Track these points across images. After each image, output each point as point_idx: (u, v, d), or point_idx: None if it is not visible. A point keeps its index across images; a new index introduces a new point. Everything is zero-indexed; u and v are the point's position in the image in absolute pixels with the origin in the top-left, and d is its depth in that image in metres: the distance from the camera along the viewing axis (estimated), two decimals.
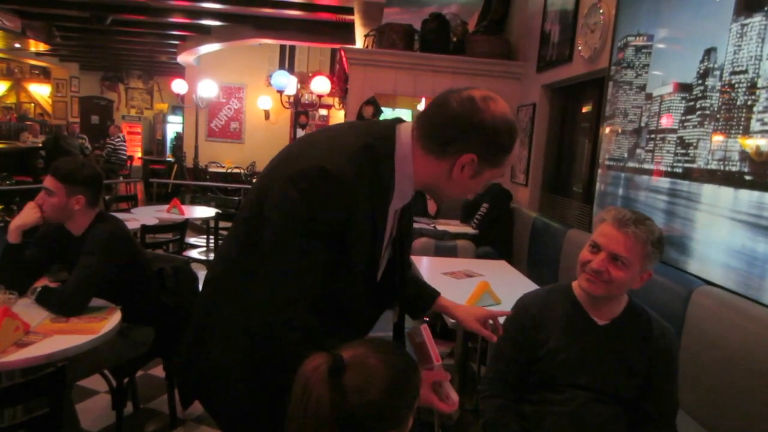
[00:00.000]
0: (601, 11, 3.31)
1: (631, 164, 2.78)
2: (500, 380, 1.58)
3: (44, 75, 14.25)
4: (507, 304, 1.69)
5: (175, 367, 1.40)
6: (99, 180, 2.20)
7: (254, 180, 9.04)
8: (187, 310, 2.53)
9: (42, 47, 9.77)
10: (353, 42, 7.15)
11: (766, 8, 1.90)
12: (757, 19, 1.94)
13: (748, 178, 1.93)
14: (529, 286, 2.76)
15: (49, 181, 2.09)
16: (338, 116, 10.59)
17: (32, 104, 14.41)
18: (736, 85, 2.02)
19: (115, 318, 1.96)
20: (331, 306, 1.16)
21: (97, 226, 2.15)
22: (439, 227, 4.13)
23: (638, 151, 2.71)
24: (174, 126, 13.78)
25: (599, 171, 3.17)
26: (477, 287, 2.42)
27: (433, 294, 1.57)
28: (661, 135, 2.51)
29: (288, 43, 10.09)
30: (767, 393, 1.61)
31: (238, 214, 1.28)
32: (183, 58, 10.25)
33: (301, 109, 8.91)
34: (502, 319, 1.55)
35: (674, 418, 1.55)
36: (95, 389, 2.86)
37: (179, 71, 11.57)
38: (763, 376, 1.63)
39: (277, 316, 1.11)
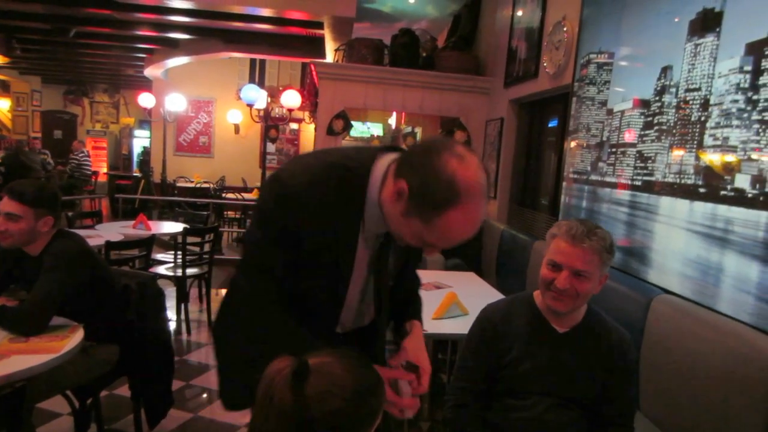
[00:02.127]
0: (564, 29, 3.41)
1: (594, 177, 2.86)
2: (465, 390, 1.60)
3: (3, 88, 13.87)
4: (475, 315, 1.71)
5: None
6: (60, 198, 2.19)
7: (224, 195, 8.98)
8: (152, 326, 2.52)
9: (1, 60, 9.54)
10: (323, 56, 7.19)
11: (717, 29, 1.99)
12: (709, 40, 2.03)
13: (702, 190, 2.00)
14: (496, 296, 2.80)
15: (12, 206, 2.02)
16: (309, 130, 10.59)
17: None
18: (691, 102, 2.10)
19: (77, 336, 1.92)
20: (301, 310, 1.24)
21: (56, 243, 2.11)
22: None
23: (600, 164, 2.79)
24: (141, 140, 13.58)
25: (564, 184, 3.24)
26: (444, 298, 2.44)
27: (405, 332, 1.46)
28: (622, 149, 2.59)
29: (258, 56, 10.07)
30: (722, 395, 1.67)
31: None
32: (150, 72, 10.13)
33: (271, 123, 8.87)
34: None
35: (632, 420, 1.59)
36: (57, 411, 2.77)
37: (146, 85, 11.43)
38: (718, 380, 1.69)
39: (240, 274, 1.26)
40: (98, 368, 2.26)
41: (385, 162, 1.18)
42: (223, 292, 5.58)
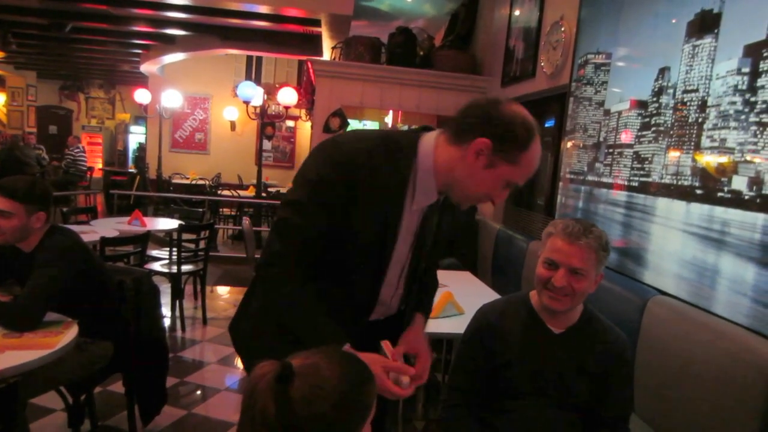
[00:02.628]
0: (562, 29, 3.41)
1: (590, 178, 2.87)
2: (461, 390, 1.60)
3: None
4: (470, 314, 1.71)
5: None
6: (51, 194, 2.18)
7: (220, 191, 8.96)
8: (147, 323, 2.51)
9: None
10: (320, 54, 7.17)
11: (715, 31, 1.99)
12: (707, 41, 2.03)
13: (699, 192, 2.01)
14: (492, 296, 2.80)
15: (4, 203, 2.00)
16: (305, 128, 10.57)
17: None
18: (688, 103, 2.11)
19: (71, 332, 1.91)
20: (334, 275, 1.30)
21: (49, 239, 2.10)
22: None
23: (597, 165, 2.80)
24: (136, 136, 13.52)
25: (560, 184, 3.25)
26: (440, 297, 2.44)
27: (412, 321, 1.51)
28: (619, 150, 2.59)
29: (254, 54, 10.05)
30: (716, 397, 1.67)
31: None
32: (146, 68, 10.09)
33: (267, 120, 8.85)
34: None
35: (628, 421, 1.59)
36: (50, 407, 2.76)
37: (142, 81, 11.38)
38: (713, 381, 1.69)
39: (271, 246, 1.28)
40: (92, 364, 2.25)
41: (429, 137, 1.28)
42: (218, 289, 5.59)
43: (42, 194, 2.09)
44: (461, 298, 2.47)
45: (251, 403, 0.82)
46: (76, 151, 10.52)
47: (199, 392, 3.28)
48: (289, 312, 1.29)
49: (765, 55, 1.73)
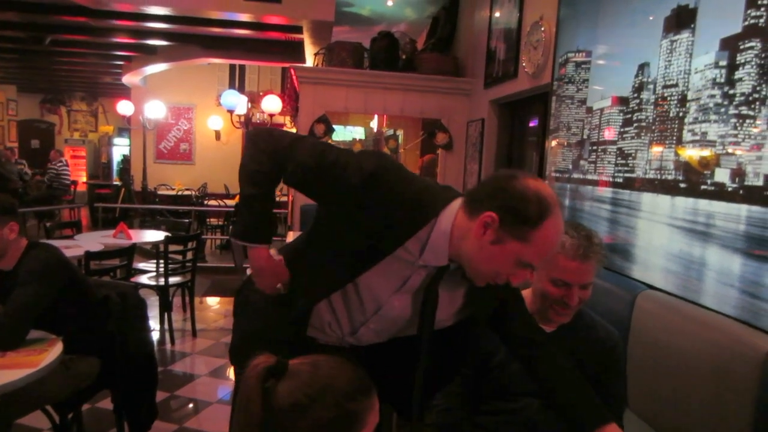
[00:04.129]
0: (542, 29, 3.43)
1: (575, 175, 2.88)
2: (454, 393, 1.60)
3: None
4: None
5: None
6: (15, 202, 2.17)
7: (206, 201, 8.90)
8: (134, 337, 2.48)
9: None
10: (303, 60, 7.17)
11: (692, 25, 2.01)
12: (684, 36, 2.05)
13: (682, 185, 2.02)
14: None
15: None
16: None
17: None
18: (668, 98, 2.12)
19: (56, 349, 1.87)
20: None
21: (30, 255, 2.07)
22: None
23: (582, 162, 2.81)
24: (120, 149, 13.41)
25: (547, 182, 3.25)
26: None
27: (601, 419, 1.29)
28: (602, 146, 2.61)
29: (237, 62, 10.02)
30: (709, 389, 1.68)
31: None
32: (128, 79, 10.01)
33: (252, 128, 8.85)
34: None
35: (622, 417, 1.59)
36: (37, 427, 2.71)
37: (125, 92, 11.30)
38: (705, 374, 1.70)
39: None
40: (79, 382, 2.21)
41: (457, 203, 1.24)
42: (207, 300, 5.51)
43: (9, 204, 2.07)
44: None
45: (242, 390, 0.83)
46: (59, 165, 10.40)
47: (191, 405, 3.24)
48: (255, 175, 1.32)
49: (741, 47, 1.75)
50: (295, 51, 7.43)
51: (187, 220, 5.76)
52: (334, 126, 5.25)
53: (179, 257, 4.51)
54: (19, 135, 14.29)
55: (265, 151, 1.31)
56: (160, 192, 9.82)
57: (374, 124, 8.10)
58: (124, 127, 11.35)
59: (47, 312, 1.99)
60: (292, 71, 5.89)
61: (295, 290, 1.36)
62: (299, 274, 1.35)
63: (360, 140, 9.03)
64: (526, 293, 1.61)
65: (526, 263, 1.16)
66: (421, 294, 1.30)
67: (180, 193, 9.71)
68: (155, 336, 4.34)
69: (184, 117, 11.16)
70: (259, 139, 1.35)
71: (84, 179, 13.22)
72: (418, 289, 1.30)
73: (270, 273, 1.35)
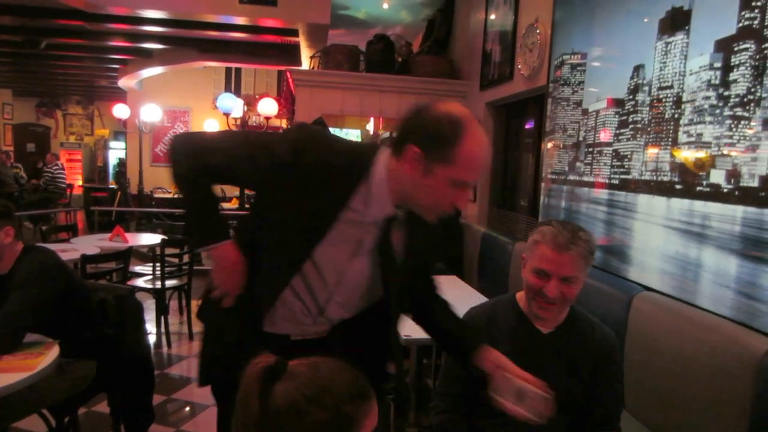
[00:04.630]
0: (537, 31, 3.44)
1: (571, 177, 2.88)
2: (451, 395, 1.59)
3: None
4: None
5: None
6: (11, 206, 2.16)
7: None
8: (131, 341, 2.47)
9: None
10: (299, 63, 7.17)
11: (686, 27, 2.02)
12: (679, 38, 2.06)
13: (678, 187, 2.03)
14: (479, 299, 2.80)
15: None
16: None
17: None
18: (664, 100, 2.13)
19: (52, 353, 1.87)
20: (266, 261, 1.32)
21: (25, 259, 2.06)
22: None
23: (578, 164, 2.81)
24: (116, 152, 13.39)
25: (543, 185, 3.27)
26: None
27: (477, 341, 1.46)
28: (598, 148, 2.61)
29: (233, 65, 10.01)
30: (706, 390, 1.68)
31: None
32: (124, 82, 10.01)
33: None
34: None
35: (619, 419, 1.59)
36: (34, 431, 2.69)
37: (121, 96, 11.28)
38: (702, 375, 1.70)
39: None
40: (75, 385, 2.20)
41: (385, 151, 1.27)
42: None
43: (6, 209, 2.06)
44: None
45: (241, 389, 0.83)
46: (54, 168, 10.37)
47: (187, 409, 3.23)
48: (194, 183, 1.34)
49: (736, 49, 1.76)
50: (291, 54, 7.43)
51: (183, 223, 5.74)
52: (330, 129, 5.25)
53: (176, 260, 4.51)
54: (14, 139, 14.23)
55: (191, 153, 1.32)
56: (156, 195, 9.80)
57: (370, 126, 8.10)
58: (120, 130, 11.34)
59: (44, 315, 1.99)
60: (288, 74, 5.89)
61: (255, 284, 1.34)
62: (255, 265, 1.34)
63: None
64: (520, 295, 1.61)
65: (460, 183, 1.20)
66: (377, 252, 1.32)
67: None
68: (152, 339, 4.33)
69: (181, 120, 11.15)
70: (180, 144, 1.36)
71: (80, 183, 13.19)
72: (372, 249, 1.32)
73: (240, 269, 1.33)
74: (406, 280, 1.42)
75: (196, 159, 1.30)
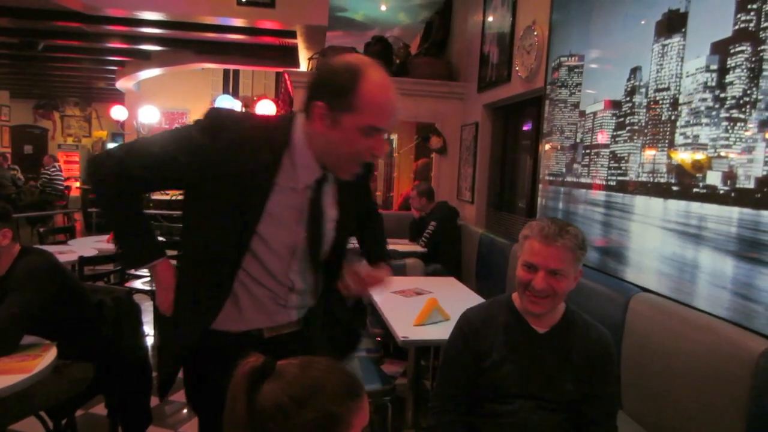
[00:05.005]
0: (535, 33, 3.45)
1: (569, 179, 2.89)
2: (449, 395, 1.59)
3: None
4: (456, 320, 1.70)
5: None
6: (9, 208, 2.15)
7: None
8: (129, 342, 2.47)
9: None
10: (297, 65, 7.17)
11: (683, 30, 2.03)
12: (675, 40, 2.07)
13: (675, 188, 2.03)
14: (477, 300, 2.80)
15: None
16: None
17: None
18: (660, 102, 2.14)
19: (50, 355, 1.86)
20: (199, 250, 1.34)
21: (22, 261, 2.06)
22: (388, 246, 4.15)
23: (575, 165, 2.82)
24: None
25: (540, 186, 3.27)
26: (425, 304, 2.44)
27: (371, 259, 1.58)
28: (595, 150, 2.62)
29: (231, 67, 10.00)
30: (703, 391, 1.69)
31: None
32: (122, 84, 9.99)
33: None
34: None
35: (615, 419, 1.59)
36: None
37: (118, 97, 11.27)
38: (698, 376, 1.71)
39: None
40: (73, 387, 2.20)
41: (299, 116, 1.29)
42: None
43: (3, 210, 2.06)
44: (446, 304, 2.47)
45: (230, 390, 0.83)
46: (52, 170, 10.35)
47: (185, 411, 3.22)
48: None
49: (732, 51, 1.76)
50: (289, 56, 7.43)
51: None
52: None
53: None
54: (12, 140, 14.21)
55: (113, 171, 1.31)
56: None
57: None
58: (118, 132, 11.33)
59: (41, 317, 1.98)
60: (286, 76, 5.89)
61: (202, 284, 1.33)
62: (197, 265, 1.35)
63: None
64: (516, 295, 1.62)
65: (369, 129, 1.20)
66: (308, 214, 1.33)
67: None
68: (149, 341, 4.31)
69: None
70: (99, 165, 1.35)
71: (77, 184, 13.15)
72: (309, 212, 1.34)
73: (174, 287, 1.35)
74: (346, 233, 1.46)
75: (120, 176, 1.30)
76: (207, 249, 1.32)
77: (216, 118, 1.27)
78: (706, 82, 1.88)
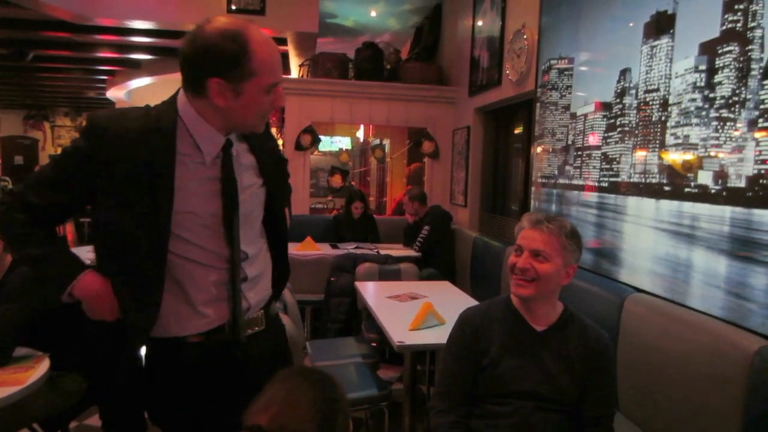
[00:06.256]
0: (525, 37, 3.47)
1: (561, 181, 2.90)
2: (449, 396, 1.60)
3: None
4: (452, 324, 1.70)
5: None
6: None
7: None
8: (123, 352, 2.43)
9: None
10: (288, 72, 7.16)
11: (671, 31, 2.05)
12: (664, 41, 2.08)
13: (667, 189, 2.04)
14: (471, 303, 2.79)
15: None
16: None
17: None
18: (650, 103, 2.15)
19: (42, 366, 1.84)
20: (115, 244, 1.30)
21: (14, 272, 2.04)
22: (383, 251, 4.15)
23: (567, 167, 2.83)
24: None
25: (533, 189, 3.28)
26: (420, 309, 2.43)
27: None
28: (587, 152, 2.63)
29: None
30: (699, 391, 1.69)
31: None
32: (112, 93, 9.96)
33: None
34: None
35: (612, 419, 1.60)
36: None
37: (109, 107, 11.22)
38: (694, 375, 1.71)
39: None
40: (66, 399, 2.18)
41: (180, 95, 1.29)
42: None
43: None
44: (441, 309, 2.47)
45: None
46: None
47: None
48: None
49: (720, 51, 1.78)
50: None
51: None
52: (320, 136, 5.26)
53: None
54: (2, 151, 14.12)
55: (9, 210, 1.28)
56: None
57: (360, 134, 8.11)
58: None
59: (33, 329, 1.97)
60: None
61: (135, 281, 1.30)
62: (126, 265, 1.30)
63: (347, 150, 9.04)
64: (513, 296, 1.63)
65: (270, 86, 1.22)
66: (221, 181, 1.29)
67: None
68: (143, 350, 4.28)
69: None
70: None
71: None
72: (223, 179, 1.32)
73: (109, 295, 1.32)
74: (277, 202, 1.45)
75: (21, 209, 1.26)
76: (131, 242, 1.26)
77: (95, 119, 1.25)
78: (695, 83, 1.90)
